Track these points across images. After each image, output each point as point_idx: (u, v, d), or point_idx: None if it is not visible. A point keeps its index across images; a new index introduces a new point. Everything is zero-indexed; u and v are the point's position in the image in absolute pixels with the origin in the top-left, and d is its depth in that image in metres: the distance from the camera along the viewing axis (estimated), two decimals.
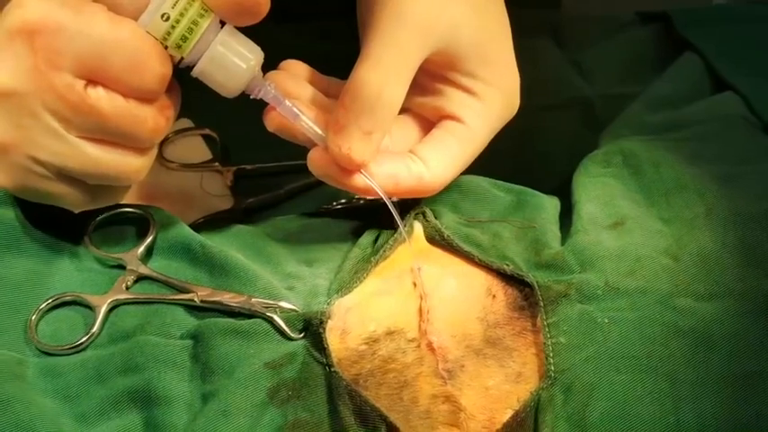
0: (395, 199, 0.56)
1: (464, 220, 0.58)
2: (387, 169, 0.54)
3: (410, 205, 0.59)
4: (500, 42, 0.57)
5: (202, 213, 0.65)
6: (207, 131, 0.70)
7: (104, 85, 0.48)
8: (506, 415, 0.49)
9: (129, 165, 0.51)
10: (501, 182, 0.62)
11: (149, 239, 0.57)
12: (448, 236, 0.57)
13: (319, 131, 0.53)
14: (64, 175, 0.50)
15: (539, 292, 0.53)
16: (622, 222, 0.57)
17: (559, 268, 0.55)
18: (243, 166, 0.69)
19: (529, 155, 0.73)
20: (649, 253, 0.55)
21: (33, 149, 0.48)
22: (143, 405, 0.50)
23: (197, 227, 0.61)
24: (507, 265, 0.55)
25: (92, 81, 0.47)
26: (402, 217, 0.57)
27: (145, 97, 0.49)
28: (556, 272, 0.55)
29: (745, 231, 0.55)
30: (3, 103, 0.47)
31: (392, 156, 0.55)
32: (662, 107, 0.69)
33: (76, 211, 0.53)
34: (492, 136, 0.57)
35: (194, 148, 0.71)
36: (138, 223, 0.58)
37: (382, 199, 0.54)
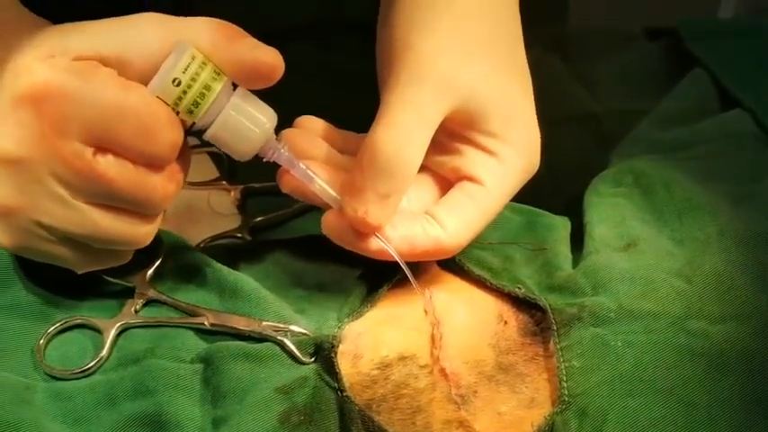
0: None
1: (475, 242, 0.58)
2: (402, 232, 0.53)
3: None
4: (521, 101, 0.56)
5: (209, 232, 0.65)
6: (214, 149, 0.70)
7: (113, 152, 0.46)
8: None
9: (137, 231, 0.50)
10: (511, 202, 0.61)
11: (158, 262, 0.57)
12: (459, 259, 0.57)
13: (334, 194, 0.52)
14: (68, 238, 0.49)
15: (551, 316, 0.53)
16: (634, 244, 0.57)
17: (572, 291, 0.55)
18: (250, 185, 0.68)
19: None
20: (662, 275, 0.55)
21: (38, 214, 0.47)
22: (153, 430, 0.50)
23: (206, 249, 0.61)
24: (519, 288, 0.55)
25: (100, 148, 0.46)
26: None
27: (155, 164, 0.48)
28: (568, 294, 0.55)
29: (758, 252, 0.55)
30: (8, 169, 0.46)
31: (408, 218, 0.54)
32: (671, 125, 0.69)
33: (79, 272, 0.52)
34: (511, 197, 0.56)
35: (201, 166, 0.70)
36: (147, 246, 0.57)
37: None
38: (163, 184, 0.48)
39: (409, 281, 0.54)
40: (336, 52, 0.78)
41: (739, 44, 0.77)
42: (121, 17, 0.47)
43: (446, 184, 0.56)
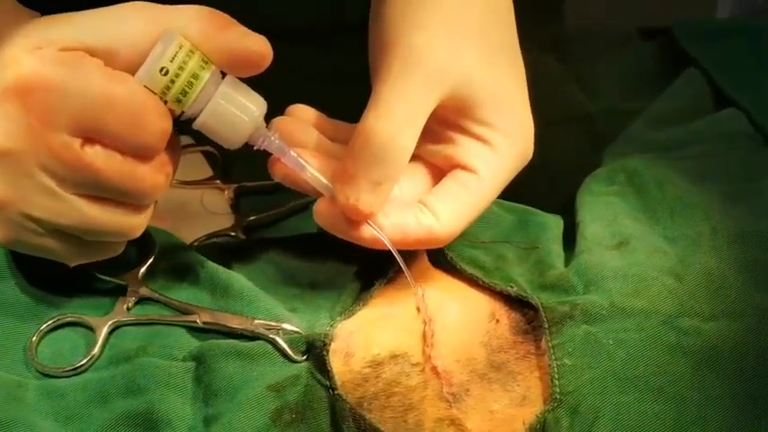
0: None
1: (467, 241, 0.58)
2: (395, 220, 0.53)
3: None
4: (514, 89, 0.56)
5: (203, 231, 0.65)
6: (207, 148, 0.70)
7: (102, 143, 0.46)
8: None
9: (127, 222, 0.49)
10: (504, 201, 0.61)
11: (151, 260, 0.57)
12: (451, 258, 0.57)
13: (325, 182, 0.52)
14: (59, 231, 0.49)
15: (543, 314, 0.53)
16: (626, 242, 0.57)
17: (564, 289, 0.55)
18: (244, 184, 0.68)
19: (531, 170, 0.72)
20: (653, 273, 0.55)
21: (27, 207, 0.47)
22: (145, 428, 0.50)
23: (199, 247, 0.61)
24: (511, 286, 0.55)
25: (88, 139, 0.46)
26: None
27: (144, 154, 0.48)
28: (560, 293, 0.55)
29: (750, 250, 0.56)
30: None
31: (401, 206, 0.53)
32: (665, 125, 0.69)
33: (71, 265, 0.52)
34: (504, 185, 0.55)
35: (195, 165, 0.70)
36: (139, 244, 0.57)
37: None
38: (152, 175, 0.48)
39: (401, 280, 0.54)
40: (336, 53, 0.77)
41: (734, 44, 0.77)
42: (108, 7, 0.47)
43: (439, 173, 0.56)
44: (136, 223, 0.50)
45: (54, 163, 0.46)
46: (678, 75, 0.76)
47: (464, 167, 0.54)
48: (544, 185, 0.67)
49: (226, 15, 0.48)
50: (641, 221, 0.59)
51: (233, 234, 0.65)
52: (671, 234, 0.58)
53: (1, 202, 0.47)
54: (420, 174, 0.56)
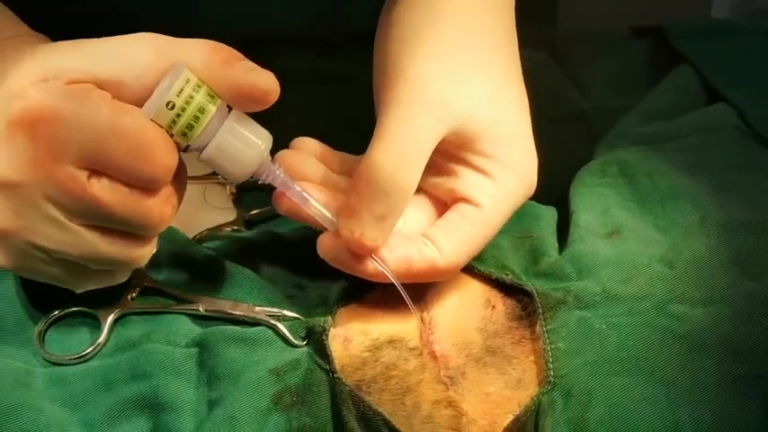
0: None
1: None
2: (398, 253, 0.53)
3: None
4: (517, 121, 0.56)
5: (205, 226, 0.65)
6: None
7: (108, 176, 0.46)
8: (507, 419, 0.50)
9: (133, 253, 0.50)
10: None
11: (154, 252, 0.58)
12: None
13: (330, 216, 0.52)
14: (65, 259, 0.49)
15: (538, 300, 0.54)
16: (618, 231, 0.58)
17: (557, 276, 0.56)
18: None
19: None
20: (645, 261, 0.56)
21: (33, 237, 0.47)
22: (150, 412, 0.51)
23: (200, 239, 0.62)
24: (506, 274, 0.56)
25: (95, 171, 0.46)
26: None
27: (150, 188, 0.47)
28: (554, 280, 0.56)
29: (738, 239, 0.57)
30: (3, 192, 0.46)
31: (404, 239, 0.53)
32: (656, 119, 0.70)
33: (78, 292, 0.53)
34: (508, 217, 0.55)
35: (197, 161, 0.71)
36: None
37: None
38: (158, 207, 0.48)
39: None
40: (335, 59, 0.78)
41: (724, 42, 0.78)
42: (116, 37, 0.47)
43: (442, 205, 0.56)
44: (142, 253, 0.51)
45: (60, 195, 0.46)
46: (669, 72, 0.77)
47: (467, 200, 0.54)
48: (538, 182, 0.68)
49: (231, 49, 0.48)
50: (633, 211, 0.60)
51: (235, 228, 0.65)
52: (662, 223, 0.59)
53: (8, 232, 0.47)
54: (423, 206, 0.57)
